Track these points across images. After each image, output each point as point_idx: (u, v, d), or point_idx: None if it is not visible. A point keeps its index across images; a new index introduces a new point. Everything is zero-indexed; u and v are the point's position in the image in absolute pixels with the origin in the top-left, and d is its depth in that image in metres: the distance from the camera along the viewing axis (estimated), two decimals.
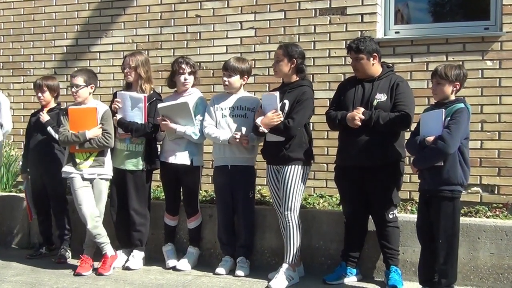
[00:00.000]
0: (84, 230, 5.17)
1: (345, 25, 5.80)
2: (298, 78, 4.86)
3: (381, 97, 4.55)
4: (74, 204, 5.16)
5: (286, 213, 4.74)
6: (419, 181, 4.33)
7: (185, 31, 6.42)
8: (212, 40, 6.31)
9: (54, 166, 5.40)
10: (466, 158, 4.15)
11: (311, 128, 5.22)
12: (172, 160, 5.17)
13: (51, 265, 5.39)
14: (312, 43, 5.91)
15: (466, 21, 5.68)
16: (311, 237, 5.09)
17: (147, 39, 6.58)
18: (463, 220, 4.55)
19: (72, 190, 5.11)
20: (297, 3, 5.96)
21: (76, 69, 6.14)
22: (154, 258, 5.41)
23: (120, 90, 5.40)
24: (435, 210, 4.14)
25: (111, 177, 5.22)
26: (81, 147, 5.06)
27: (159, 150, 5.39)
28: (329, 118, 4.74)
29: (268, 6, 6.07)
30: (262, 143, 5.03)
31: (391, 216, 4.62)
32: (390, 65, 4.86)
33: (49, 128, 5.48)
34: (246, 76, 5.15)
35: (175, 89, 5.33)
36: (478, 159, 5.31)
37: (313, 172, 5.60)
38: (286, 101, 4.78)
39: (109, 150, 5.18)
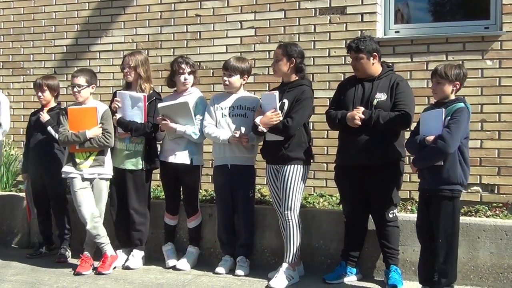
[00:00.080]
0: (84, 230, 5.17)
1: (345, 24, 5.80)
2: (297, 78, 4.86)
3: (381, 96, 4.55)
4: (74, 203, 5.16)
5: (286, 212, 4.74)
6: (419, 180, 4.33)
7: (185, 30, 6.42)
8: (212, 40, 6.30)
9: (54, 165, 5.40)
10: (466, 158, 4.15)
11: (311, 128, 5.22)
12: (172, 159, 5.17)
13: (51, 264, 5.39)
14: (312, 42, 5.91)
15: (466, 20, 5.68)
16: (311, 236, 5.09)
17: (147, 38, 6.58)
18: (463, 219, 4.55)
19: (72, 191, 5.12)
20: (297, 3, 5.96)
21: (76, 68, 6.15)
22: (154, 258, 5.41)
23: (120, 90, 5.40)
24: (435, 210, 4.14)
25: (111, 177, 5.22)
26: (81, 147, 5.06)
27: (158, 149, 5.39)
28: (329, 118, 4.74)
29: (268, 5, 6.07)
30: (261, 143, 5.03)
31: (391, 216, 4.62)
32: (390, 64, 4.86)
33: (49, 128, 5.49)
34: (246, 76, 5.15)
35: (175, 88, 5.33)
36: (478, 159, 5.31)
37: (313, 172, 5.60)
38: (286, 101, 4.77)
39: (109, 149, 5.18)
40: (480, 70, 5.34)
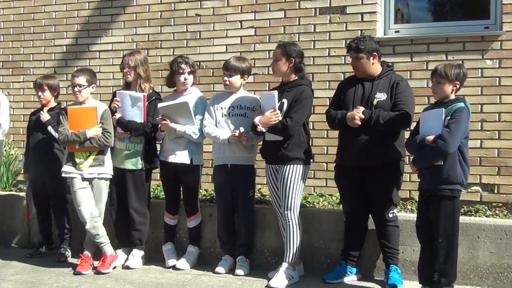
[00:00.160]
0: (84, 229, 5.17)
1: (345, 24, 5.80)
2: (296, 77, 4.86)
3: (381, 96, 4.55)
4: (73, 203, 5.16)
5: (286, 212, 4.74)
6: (419, 180, 4.33)
7: (185, 30, 6.42)
8: (212, 39, 6.30)
9: (54, 165, 5.40)
10: (466, 157, 4.15)
11: (311, 128, 5.22)
12: (172, 159, 5.17)
13: (51, 264, 5.39)
14: (312, 42, 5.91)
15: (466, 20, 5.68)
16: (311, 236, 5.09)
17: (147, 38, 6.58)
18: (462, 219, 4.55)
19: (72, 191, 5.12)
20: (297, 2, 5.96)
21: (76, 68, 6.15)
22: (154, 257, 5.41)
23: (120, 89, 5.40)
24: (434, 209, 4.14)
25: (111, 177, 5.22)
26: (81, 146, 5.06)
27: (158, 149, 5.39)
28: (329, 118, 4.74)
29: (268, 5, 6.06)
30: (261, 143, 5.03)
31: (391, 215, 4.62)
32: (390, 64, 4.86)
33: (49, 128, 5.48)
34: (246, 76, 5.15)
35: (175, 88, 5.33)
36: (478, 158, 5.31)
37: (313, 171, 5.61)
38: (285, 100, 4.77)
39: (109, 149, 5.18)
40: (480, 70, 5.34)
